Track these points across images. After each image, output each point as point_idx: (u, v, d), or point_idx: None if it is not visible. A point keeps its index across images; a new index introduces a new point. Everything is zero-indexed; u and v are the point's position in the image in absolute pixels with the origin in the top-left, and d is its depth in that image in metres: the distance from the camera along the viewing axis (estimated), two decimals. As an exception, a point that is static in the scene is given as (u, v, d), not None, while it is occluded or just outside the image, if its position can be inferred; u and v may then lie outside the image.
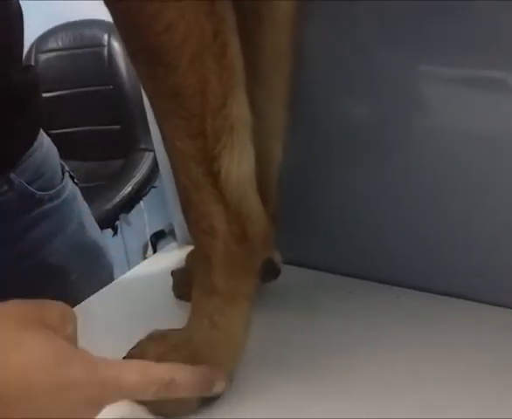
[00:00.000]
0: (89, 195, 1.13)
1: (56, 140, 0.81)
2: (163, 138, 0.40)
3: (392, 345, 0.49)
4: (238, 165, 0.38)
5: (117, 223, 1.72)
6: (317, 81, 0.54)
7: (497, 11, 0.44)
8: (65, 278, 0.76)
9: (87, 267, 0.80)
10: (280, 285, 0.55)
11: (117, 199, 1.66)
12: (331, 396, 0.44)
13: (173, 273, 0.61)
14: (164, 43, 0.35)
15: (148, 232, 1.90)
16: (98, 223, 0.94)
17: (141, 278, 0.66)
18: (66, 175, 0.79)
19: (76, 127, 1.81)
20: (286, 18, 0.44)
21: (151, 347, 0.45)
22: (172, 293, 0.60)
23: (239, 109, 0.37)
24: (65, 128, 1.79)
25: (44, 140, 0.75)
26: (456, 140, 0.49)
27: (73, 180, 0.83)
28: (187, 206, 0.41)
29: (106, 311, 0.61)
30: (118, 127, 1.78)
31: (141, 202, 1.77)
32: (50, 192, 0.74)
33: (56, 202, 0.75)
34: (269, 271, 0.49)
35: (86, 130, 1.81)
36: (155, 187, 1.74)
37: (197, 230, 0.41)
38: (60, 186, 0.76)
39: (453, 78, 0.49)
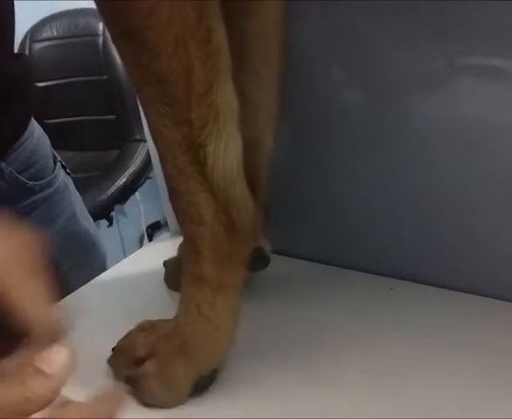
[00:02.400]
0: (84, 185, 1.13)
1: (50, 129, 0.81)
2: (149, 126, 0.40)
3: (386, 336, 0.49)
4: (225, 153, 0.38)
5: (112, 213, 1.72)
6: (308, 72, 0.53)
7: None
8: (57, 268, 0.76)
9: (80, 257, 0.79)
10: (270, 275, 0.55)
11: (112, 189, 1.65)
12: (323, 388, 0.44)
13: (165, 263, 0.61)
14: (147, 28, 0.34)
15: (144, 223, 1.89)
16: (93, 214, 0.94)
17: (134, 269, 0.66)
18: (58, 164, 0.79)
19: (71, 117, 1.80)
20: (274, 4, 0.44)
21: (141, 338, 0.45)
22: (165, 284, 0.60)
23: (225, 96, 0.37)
24: (59, 118, 1.79)
25: (36, 129, 0.74)
26: (452, 131, 0.49)
27: (65, 170, 0.82)
28: (174, 195, 0.41)
29: (97, 301, 0.61)
30: (113, 117, 1.77)
31: (137, 193, 1.76)
32: (41, 182, 0.74)
33: (47, 191, 0.75)
34: (258, 260, 0.49)
35: (81, 120, 1.80)
36: (150, 178, 1.73)
37: (185, 219, 0.41)
38: (52, 176, 0.76)
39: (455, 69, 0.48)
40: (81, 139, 1.81)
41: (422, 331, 0.49)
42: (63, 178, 0.79)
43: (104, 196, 1.63)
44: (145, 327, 0.46)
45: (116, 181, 1.67)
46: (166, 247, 0.67)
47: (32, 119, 0.74)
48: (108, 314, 0.58)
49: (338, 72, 0.53)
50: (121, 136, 1.75)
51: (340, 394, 0.43)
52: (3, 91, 0.66)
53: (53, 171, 0.77)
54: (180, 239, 0.63)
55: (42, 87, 1.74)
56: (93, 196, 1.55)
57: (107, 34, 1.73)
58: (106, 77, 1.71)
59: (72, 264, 0.78)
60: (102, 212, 1.64)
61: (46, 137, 0.79)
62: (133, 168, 1.70)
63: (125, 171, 1.68)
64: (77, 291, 0.63)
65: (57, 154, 0.80)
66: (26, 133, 0.71)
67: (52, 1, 1.82)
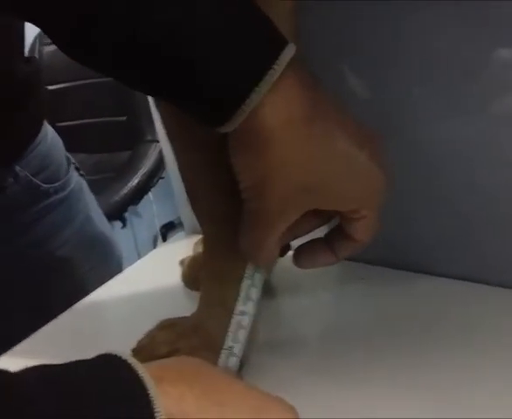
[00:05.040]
0: (97, 187, 1.13)
1: (62, 132, 0.81)
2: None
3: (404, 328, 0.48)
4: None
5: (126, 214, 1.72)
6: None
7: None
8: (74, 270, 0.76)
9: (96, 259, 0.79)
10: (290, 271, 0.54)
11: (125, 190, 1.65)
12: (340, 383, 0.44)
13: (181, 262, 0.61)
14: None
15: (158, 224, 1.89)
16: (106, 215, 0.94)
17: (150, 269, 0.66)
18: (72, 167, 0.79)
19: (82, 119, 1.80)
20: None
21: (161, 336, 0.45)
22: (181, 282, 0.60)
23: None
24: (71, 121, 1.79)
25: (49, 132, 0.75)
26: (456, 129, 0.48)
27: (79, 172, 0.82)
28: (195, 196, 0.41)
29: (115, 301, 0.61)
30: (124, 118, 1.77)
31: (150, 193, 1.76)
32: (55, 184, 0.74)
33: (62, 194, 0.75)
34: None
35: (93, 122, 1.81)
36: (163, 178, 1.73)
37: (206, 218, 0.41)
38: (66, 178, 0.76)
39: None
40: (93, 141, 1.81)
41: (441, 324, 0.49)
42: (77, 180, 0.79)
43: (117, 198, 1.63)
44: (164, 326, 0.45)
45: (129, 182, 1.67)
46: (181, 246, 0.67)
47: (45, 122, 0.74)
48: (127, 315, 0.58)
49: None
50: (133, 137, 1.75)
51: (356, 387, 0.43)
52: (15, 94, 0.66)
53: (67, 173, 0.77)
54: (195, 238, 0.63)
55: (53, 90, 1.75)
56: (106, 198, 1.56)
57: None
58: (116, 78, 1.71)
59: (88, 266, 0.78)
60: (116, 213, 1.64)
61: (59, 140, 0.79)
62: (145, 168, 1.69)
63: (137, 172, 1.68)
64: (95, 292, 0.63)
65: (70, 157, 0.80)
66: (40, 136, 0.71)
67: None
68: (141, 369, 0.28)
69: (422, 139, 0.51)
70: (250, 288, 0.41)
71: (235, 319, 0.41)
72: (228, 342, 0.41)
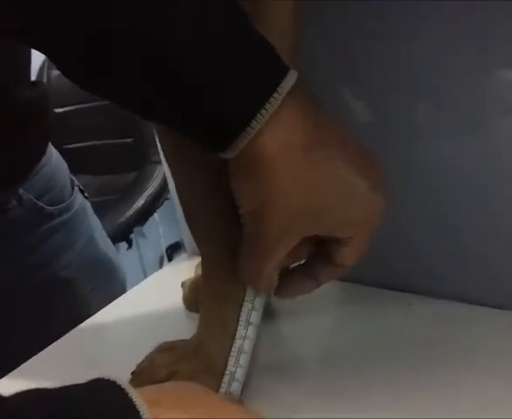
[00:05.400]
0: (102, 209, 1.14)
1: (68, 154, 0.82)
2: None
3: (405, 351, 0.48)
4: None
5: (131, 236, 1.72)
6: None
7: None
8: (77, 291, 0.76)
9: (99, 281, 0.80)
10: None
11: (130, 212, 1.66)
12: (341, 404, 0.43)
13: (183, 284, 0.60)
14: None
15: (164, 244, 1.89)
16: (112, 237, 0.94)
17: (153, 290, 0.66)
18: (76, 189, 0.80)
19: (88, 141, 1.82)
20: None
21: (161, 359, 0.44)
22: (183, 304, 0.59)
23: None
24: (77, 143, 1.80)
25: (53, 155, 0.75)
26: (455, 146, 0.49)
27: (83, 194, 0.83)
28: (192, 217, 0.41)
29: (117, 323, 0.61)
30: (130, 140, 1.78)
31: (156, 214, 1.77)
32: (59, 206, 0.74)
33: (65, 216, 0.75)
34: None
35: (98, 144, 1.82)
36: (168, 199, 1.74)
37: (203, 238, 0.41)
38: (70, 200, 0.76)
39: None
40: (98, 163, 1.83)
41: (443, 346, 0.48)
42: (81, 202, 0.80)
43: (123, 219, 1.63)
44: (164, 349, 0.45)
45: (134, 203, 1.67)
46: (184, 268, 0.67)
47: (50, 144, 0.75)
48: (129, 337, 0.58)
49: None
50: (138, 159, 1.76)
51: (358, 408, 0.42)
52: (20, 117, 0.67)
53: (71, 196, 0.77)
54: (197, 260, 0.63)
55: (60, 113, 1.77)
56: (111, 219, 1.56)
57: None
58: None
59: (91, 287, 0.78)
60: (121, 235, 1.65)
61: (64, 162, 0.80)
62: (151, 189, 1.70)
63: (143, 193, 1.69)
64: (97, 314, 0.63)
65: (74, 179, 0.81)
66: (44, 159, 0.72)
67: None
68: (135, 394, 0.27)
69: (421, 156, 0.51)
70: (251, 312, 0.41)
71: (237, 343, 0.41)
72: (230, 367, 0.41)
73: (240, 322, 0.41)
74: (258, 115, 0.33)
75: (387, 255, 0.55)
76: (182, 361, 0.43)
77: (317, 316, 0.55)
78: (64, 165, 0.79)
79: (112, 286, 0.81)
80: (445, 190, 0.51)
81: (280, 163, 0.34)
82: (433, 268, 0.54)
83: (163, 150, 0.45)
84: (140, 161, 1.76)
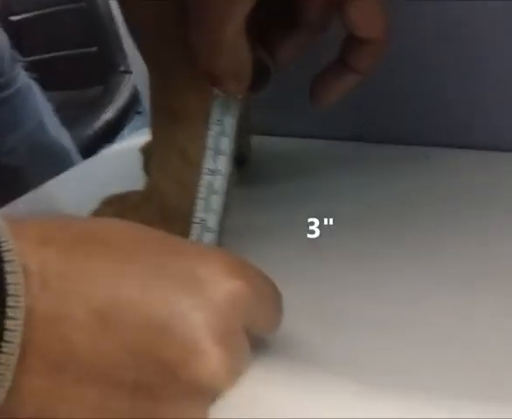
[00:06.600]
0: (68, 123, 1.02)
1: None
2: None
3: (427, 205, 0.39)
4: None
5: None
6: None
7: None
8: (25, 182, 0.66)
9: (51, 171, 0.69)
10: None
11: (99, 124, 1.54)
12: (350, 266, 0.34)
13: (142, 150, 0.50)
14: None
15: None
16: (81, 152, 0.85)
17: (109, 162, 0.56)
18: (18, 65, 0.68)
19: (47, 52, 1.67)
20: None
21: (106, 213, 0.35)
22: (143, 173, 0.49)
23: None
24: (38, 55, 1.65)
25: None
26: None
27: (29, 72, 0.71)
28: None
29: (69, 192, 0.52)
30: (94, 48, 1.64)
31: (126, 130, 1.64)
32: (-3, 80, 0.63)
33: (6, 92, 0.64)
34: (260, 74, 0.38)
35: (61, 55, 1.67)
36: (139, 113, 1.61)
37: None
38: (10, 75, 0.65)
39: None
40: (63, 76, 1.68)
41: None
42: (25, 81, 0.69)
43: (90, 132, 1.51)
44: (111, 201, 0.36)
45: (102, 115, 1.55)
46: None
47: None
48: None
49: None
50: (105, 70, 1.62)
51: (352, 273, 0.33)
52: None
53: (12, 70, 0.66)
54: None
55: (15, 22, 1.61)
56: (78, 132, 1.43)
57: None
58: (83, 4, 1.58)
59: (42, 179, 0.68)
60: (91, 149, 1.53)
61: (4, 35, 0.68)
62: (119, 101, 1.58)
63: (111, 105, 1.56)
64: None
65: (18, 55, 0.70)
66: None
67: None
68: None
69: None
70: (219, 138, 0.31)
71: (204, 180, 0.31)
72: (199, 213, 0.31)
73: (206, 153, 0.31)
74: None
75: (401, 109, 0.47)
76: (130, 211, 0.33)
77: (328, 178, 0.45)
78: (2, 35, 0.67)
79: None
80: (471, 34, 0.41)
81: None
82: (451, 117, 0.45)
83: None
84: (106, 73, 1.63)
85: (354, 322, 0.29)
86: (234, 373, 0.24)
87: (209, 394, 0.23)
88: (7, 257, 0.19)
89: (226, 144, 0.31)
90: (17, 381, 0.19)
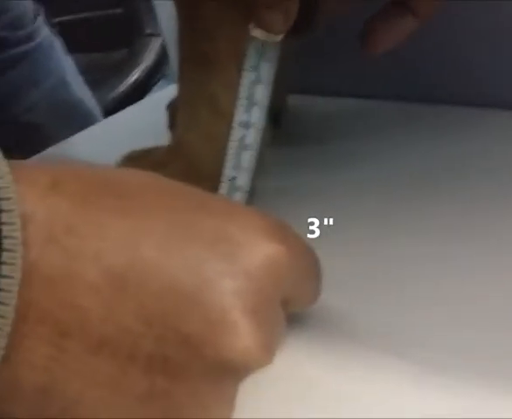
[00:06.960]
0: (92, 86, 1.00)
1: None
2: None
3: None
4: None
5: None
6: None
7: None
8: (47, 141, 0.64)
9: (72, 129, 0.67)
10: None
11: (122, 87, 1.51)
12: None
13: (168, 107, 0.47)
14: None
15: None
16: (106, 115, 0.82)
17: (134, 119, 0.53)
18: (40, 18, 0.66)
19: (74, 13, 1.64)
20: None
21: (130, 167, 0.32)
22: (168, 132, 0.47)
23: None
24: (63, 16, 1.63)
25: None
26: None
27: (52, 28, 0.69)
28: None
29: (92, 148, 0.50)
30: (119, 10, 1.60)
31: (152, 93, 1.62)
32: (18, 33, 0.61)
33: (27, 46, 0.62)
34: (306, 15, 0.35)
35: (86, 17, 1.64)
36: (165, 75, 1.58)
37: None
38: (31, 28, 0.63)
39: None
40: (87, 38, 1.65)
41: None
42: (47, 35, 0.66)
43: (114, 95, 1.48)
44: (134, 157, 0.33)
45: (127, 78, 1.52)
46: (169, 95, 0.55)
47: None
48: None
49: None
50: (130, 32, 1.59)
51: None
52: None
53: (33, 23, 0.63)
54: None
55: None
56: (102, 95, 1.40)
57: None
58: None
59: (63, 138, 0.65)
60: (115, 112, 1.51)
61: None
62: (144, 64, 1.54)
63: (136, 68, 1.53)
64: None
65: (40, 8, 0.67)
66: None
67: None
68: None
69: None
70: (253, 86, 0.28)
71: (235, 133, 0.28)
72: (228, 170, 0.28)
73: (239, 102, 0.28)
74: None
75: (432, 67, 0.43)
76: (153, 168, 0.30)
77: (368, 139, 0.42)
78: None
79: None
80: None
81: None
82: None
83: None
84: (132, 35, 1.59)
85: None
86: (268, 349, 0.21)
87: (237, 373, 0.20)
88: (5, 205, 0.16)
89: (261, 94, 0.28)
90: (14, 350, 0.16)
